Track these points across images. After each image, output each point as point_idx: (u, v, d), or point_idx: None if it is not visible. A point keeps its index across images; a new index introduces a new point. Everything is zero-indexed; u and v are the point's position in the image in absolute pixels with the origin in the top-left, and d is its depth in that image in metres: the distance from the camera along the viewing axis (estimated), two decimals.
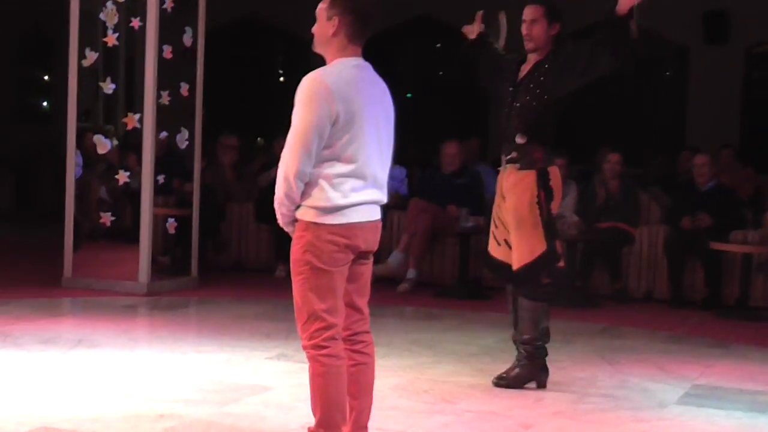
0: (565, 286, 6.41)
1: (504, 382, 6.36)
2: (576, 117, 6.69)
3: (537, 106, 6.18)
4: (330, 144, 4.23)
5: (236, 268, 11.24)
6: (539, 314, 6.30)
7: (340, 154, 4.24)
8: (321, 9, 4.39)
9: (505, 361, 6.61)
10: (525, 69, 6.32)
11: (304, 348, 4.32)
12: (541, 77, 6.20)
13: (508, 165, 6.24)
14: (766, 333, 8.85)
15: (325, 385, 4.29)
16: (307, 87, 4.22)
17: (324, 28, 4.37)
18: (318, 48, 4.43)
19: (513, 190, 6.21)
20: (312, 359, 4.30)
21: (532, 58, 6.30)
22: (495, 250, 6.39)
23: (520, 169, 6.19)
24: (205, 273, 10.22)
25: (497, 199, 6.40)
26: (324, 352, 4.27)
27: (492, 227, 6.44)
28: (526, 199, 6.15)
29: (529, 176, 6.16)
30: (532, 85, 6.21)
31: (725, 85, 15.15)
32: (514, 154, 6.21)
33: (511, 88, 6.30)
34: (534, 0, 6.25)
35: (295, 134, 4.21)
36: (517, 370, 6.38)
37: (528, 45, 6.27)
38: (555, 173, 6.24)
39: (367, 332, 4.51)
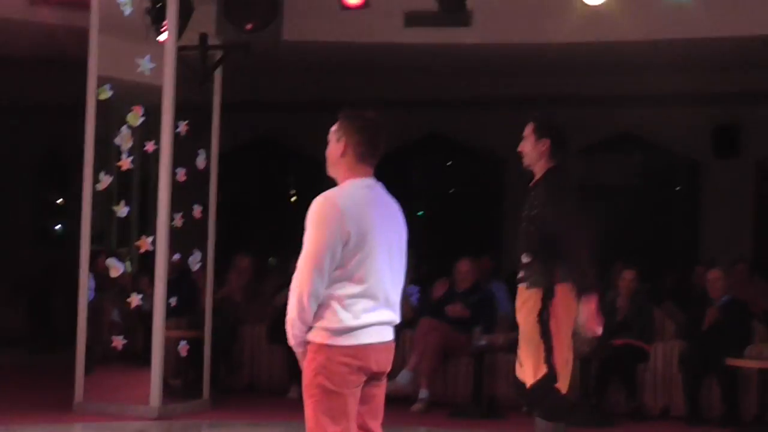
0: (567, 407, 6.28)
1: None
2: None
3: (534, 230, 6.18)
4: (341, 264, 4.24)
5: (249, 390, 11.16)
6: None
7: (351, 274, 4.25)
8: (332, 131, 4.46)
9: None
10: (530, 189, 6.38)
11: None
12: (534, 205, 6.23)
13: (519, 284, 6.25)
14: None
15: None
16: (319, 208, 4.25)
17: (334, 149, 4.43)
18: (330, 170, 4.47)
19: (521, 309, 6.22)
20: None
21: (534, 176, 6.35)
22: (518, 370, 6.34)
23: (527, 288, 6.19)
24: (217, 395, 10.15)
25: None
26: None
27: (518, 347, 6.38)
28: (531, 319, 6.13)
29: (535, 295, 6.15)
30: (527, 209, 6.26)
31: (737, 198, 15.17)
32: (521, 274, 6.24)
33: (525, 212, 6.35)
34: (530, 116, 6.35)
35: (307, 255, 4.23)
36: None
37: (524, 161, 6.33)
38: (563, 291, 6.15)
39: None
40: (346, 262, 4.24)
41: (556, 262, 6.13)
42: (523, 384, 6.28)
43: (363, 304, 4.27)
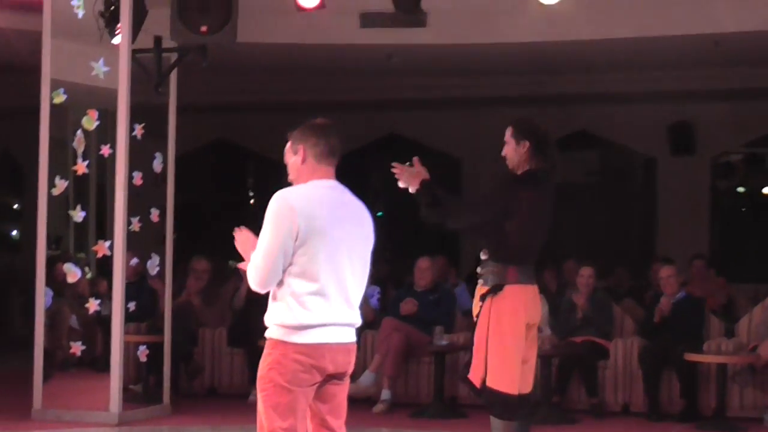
0: (516, 409, 6.26)
1: None
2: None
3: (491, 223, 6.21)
4: (294, 261, 4.27)
5: (210, 394, 11.10)
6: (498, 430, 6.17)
7: (304, 271, 4.28)
8: (287, 148, 4.52)
9: None
10: None
11: None
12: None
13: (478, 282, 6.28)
14: None
15: None
16: (272, 205, 4.32)
17: (294, 161, 4.49)
18: (295, 181, 4.48)
19: (475, 306, 6.24)
20: None
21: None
22: (470, 373, 6.33)
23: (483, 285, 6.21)
24: (178, 400, 10.09)
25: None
26: None
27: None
28: (483, 320, 6.10)
29: (484, 291, 6.15)
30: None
31: (693, 195, 15.31)
32: (478, 270, 6.27)
33: None
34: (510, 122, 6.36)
35: (259, 251, 4.29)
36: None
37: (508, 165, 6.33)
38: (511, 291, 6.10)
39: None
40: (297, 258, 4.27)
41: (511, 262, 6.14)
42: (474, 386, 6.25)
43: (319, 302, 4.29)
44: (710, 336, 10.15)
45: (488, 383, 6.08)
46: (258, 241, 4.33)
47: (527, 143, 6.26)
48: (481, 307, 6.16)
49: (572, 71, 13.62)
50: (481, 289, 6.21)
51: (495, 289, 6.10)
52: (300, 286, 4.27)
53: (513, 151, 6.27)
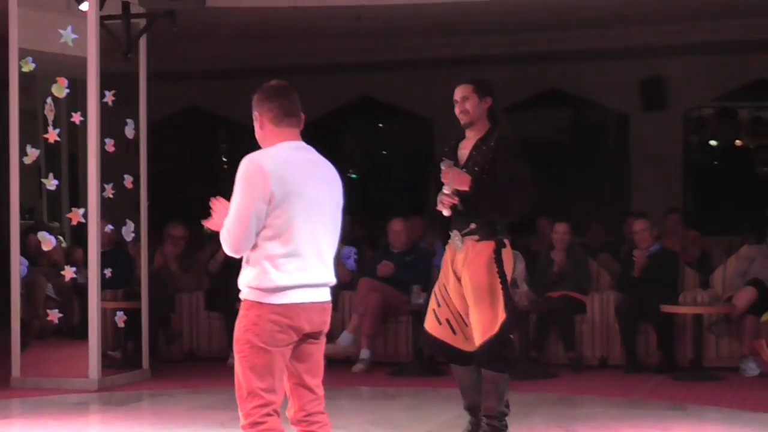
0: (517, 356, 6.42)
1: None
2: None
3: (488, 181, 6.25)
4: (268, 224, 4.26)
5: (189, 359, 11.12)
6: (505, 386, 6.33)
7: (279, 234, 4.26)
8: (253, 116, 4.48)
9: None
10: (466, 147, 6.43)
11: (243, 428, 4.30)
12: (486, 159, 6.30)
13: (465, 238, 6.29)
14: (722, 393, 8.87)
15: None
16: (243, 169, 4.28)
17: (256, 127, 4.47)
18: (263, 147, 4.46)
19: (473, 263, 6.25)
20: None
21: (470, 136, 6.43)
22: (434, 328, 6.47)
23: (479, 240, 6.26)
24: (157, 365, 10.10)
25: (442, 277, 6.49)
26: (262, 428, 4.25)
27: (433, 305, 6.51)
28: (486, 270, 6.22)
29: (489, 247, 6.25)
30: (478, 166, 6.30)
31: (666, 150, 15.35)
32: (472, 226, 6.27)
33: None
34: (461, 81, 6.45)
35: (232, 215, 4.27)
36: None
37: (464, 119, 6.41)
38: (507, 245, 6.35)
39: (322, 413, 4.46)
40: (272, 221, 4.25)
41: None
42: (441, 343, 6.42)
43: (293, 263, 4.27)
44: (685, 288, 10.22)
45: (511, 331, 6.32)
46: (230, 206, 4.30)
47: (489, 100, 6.42)
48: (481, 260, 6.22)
49: (543, 29, 13.61)
50: (478, 244, 6.25)
51: (501, 242, 6.26)
52: (275, 249, 4.26)
53: (476, 107, 6.38)
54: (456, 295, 6.36)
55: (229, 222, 4.28)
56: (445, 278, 6.43)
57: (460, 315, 6.39)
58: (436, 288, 6.51)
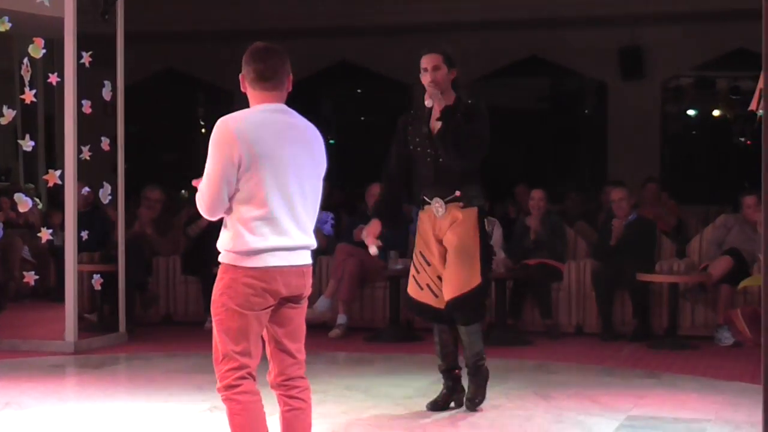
0: (484, 309, 6.80)
1: (471, 404, 6.68)
2: (494, 155, 6.97)
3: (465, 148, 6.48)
4: (240, 187, 4.24)
5: (166, 322, 11.10)
6: (478, 333, 6.63)
7: (252, 197, 4.24)
8: None
9: None
10: (436, 114, 6.60)
11: (218, 391, 4.30)
12: (459, 123, 6.48)
13: (447, 205, 6.51)
14: (696, 361, 8.93)
15: (244, 423, 4.27)
16: (214, 131, 4.28)
17: (242, 86, 4.43)
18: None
19: (461, 226, 6.50)
20: (227, 400, 4.28)
21: (436, 105, 6.56)
22: (417, 293, 6.74)
23: (464, 207, 6.52)
24: (133, 328, 10.08)
25: (421, 244, 6.67)
26: (237, 390, 4.25)
27: (413, 271, 6.79)
28: (471, 235, 6.49)
29: (473, 213, 6.53)
30: (451, 134, 6.48)
31: (643, 119, 15.38)
32: (457, 193, 6.50)
33: (428, 140, 6.60)
34: (430, 50, 6.60)
35: (204, 179, 4.28)
36: (473, 388, 6.66)
37: (433, 89, 6.55)
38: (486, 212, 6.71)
39: (302, 377, 4.44)
40: (243, 184, 4.24)
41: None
42: (425, 305, 6.68)
43: (269, 226, 4.25)
44: (662, 257, 10.26)
45: (484, 294, 6.65)
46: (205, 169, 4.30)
47: (455, 71, 6.63)
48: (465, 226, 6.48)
49: None
50: (462, 210, 6.49)
51: (484, 208, 6.61)
52: (247, 212, 4.24)
53: (446, 77, 6.57)
54: (440, 259, 6.60)
55: (202, 185, 4.28)
56: (426, 246, 6.65)
57: (440, 279, 6.62)
58: (416, 253, 6.74)
